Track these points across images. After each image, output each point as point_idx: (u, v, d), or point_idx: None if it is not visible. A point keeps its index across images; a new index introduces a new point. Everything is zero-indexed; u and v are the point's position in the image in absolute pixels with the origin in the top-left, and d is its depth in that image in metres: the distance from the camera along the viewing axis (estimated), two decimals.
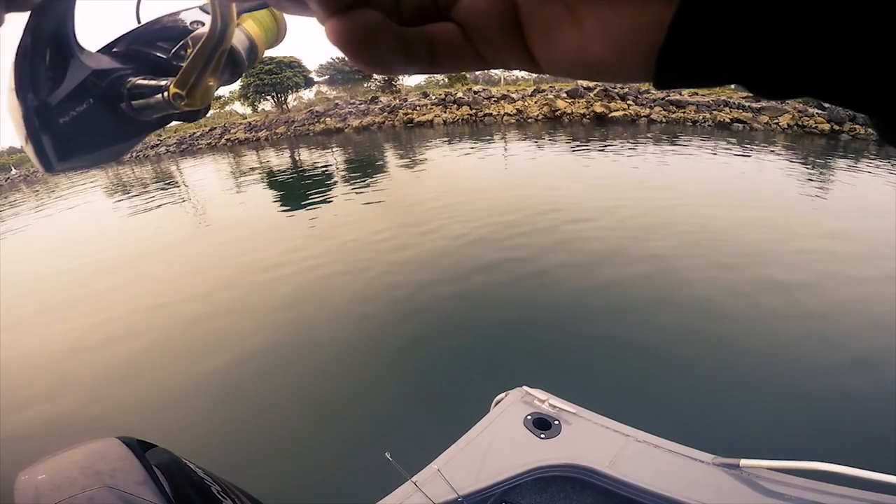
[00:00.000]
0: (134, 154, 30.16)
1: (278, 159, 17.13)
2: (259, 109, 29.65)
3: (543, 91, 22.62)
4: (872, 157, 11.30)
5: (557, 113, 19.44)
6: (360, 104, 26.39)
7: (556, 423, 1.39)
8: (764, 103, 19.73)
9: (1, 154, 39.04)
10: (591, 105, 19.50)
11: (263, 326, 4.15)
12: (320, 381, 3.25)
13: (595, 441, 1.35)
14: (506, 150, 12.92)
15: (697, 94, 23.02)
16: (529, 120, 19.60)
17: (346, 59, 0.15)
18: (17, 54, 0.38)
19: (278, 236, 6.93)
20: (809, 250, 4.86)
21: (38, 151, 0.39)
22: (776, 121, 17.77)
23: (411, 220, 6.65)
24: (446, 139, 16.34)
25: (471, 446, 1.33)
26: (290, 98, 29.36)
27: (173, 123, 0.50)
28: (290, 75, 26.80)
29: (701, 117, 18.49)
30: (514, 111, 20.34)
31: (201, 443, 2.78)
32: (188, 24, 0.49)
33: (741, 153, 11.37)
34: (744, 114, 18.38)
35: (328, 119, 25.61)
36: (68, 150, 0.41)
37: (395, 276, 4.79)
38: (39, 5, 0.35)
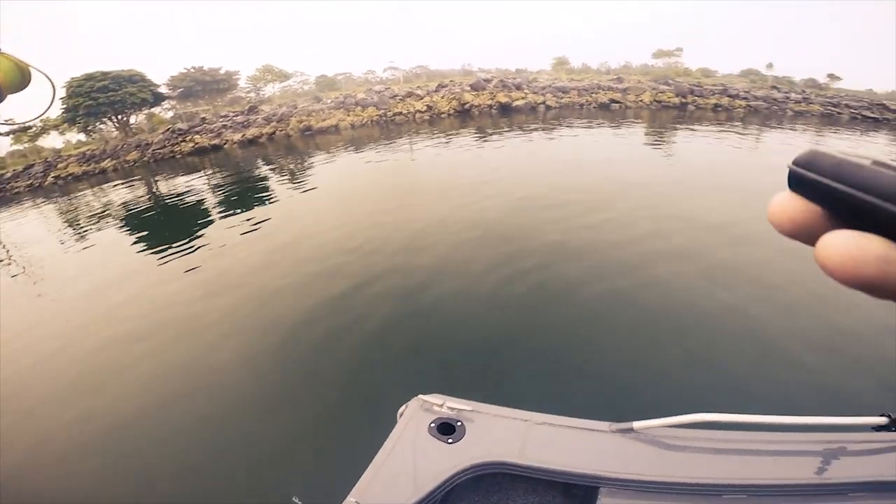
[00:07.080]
0: None
1: (132, 193, 13.18)
2: (94, 136, 23.29)
3: (446, 85, 22.81)
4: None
5: (466, 106, 19.85)
6: (235, 115, 22.81)
7: (459, 423, 1.40)
8: (627, 83, 23.34)
9: None
10: (495, 96, 20.43)
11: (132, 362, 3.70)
12: (207, 425, 2.88)
13: (499, 433, 1.37)
14: (412, 151, 12.43)
15: (574, 79, 26.00)
16: (442, 115, 19.56)
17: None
18: None
19: (139, 283, 5.69)
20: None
21: None
22: (640, 98, 21.15)
23: (290, 247, 6.04)
24: (352, 145, 14.93)
25: (383, 469, 1.28)
26: (134, 117, 23.76)
27: None
28: (132, 91, 21.68)
29: (585, 100, 20.93)
30: (425, 108, 20.07)
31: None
32: None
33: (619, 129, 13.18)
34: (615, 94, 21.38)
35: (197, 136, 21.49)
36: None
37: (268, 305, 4.41)
38: None
